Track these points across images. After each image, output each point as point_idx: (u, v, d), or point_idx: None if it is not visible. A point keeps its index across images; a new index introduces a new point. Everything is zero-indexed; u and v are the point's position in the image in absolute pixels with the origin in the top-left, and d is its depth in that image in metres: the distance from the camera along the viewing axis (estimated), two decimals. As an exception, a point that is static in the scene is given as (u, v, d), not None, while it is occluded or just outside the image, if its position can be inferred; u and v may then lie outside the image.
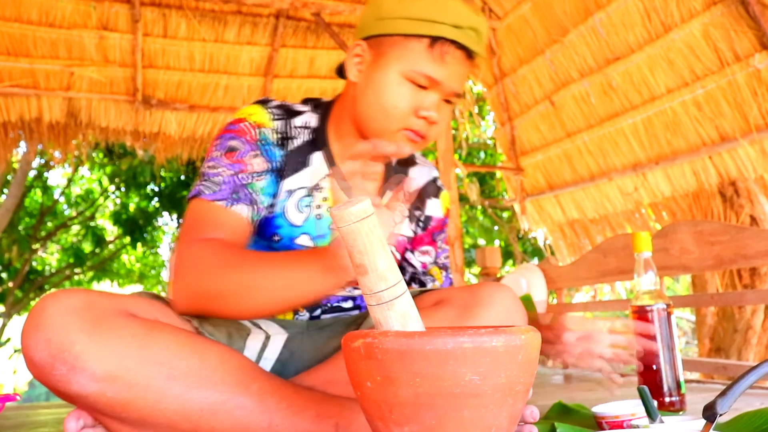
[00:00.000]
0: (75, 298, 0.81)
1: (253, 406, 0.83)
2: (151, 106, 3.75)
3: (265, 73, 3.96)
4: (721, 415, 0.73)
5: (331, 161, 1.13)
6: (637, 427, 0.96)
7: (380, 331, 0.62)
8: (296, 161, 1.10)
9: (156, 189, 7.94)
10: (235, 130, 1.07)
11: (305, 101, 1.18)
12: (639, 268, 1.26)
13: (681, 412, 1.22)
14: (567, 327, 1.13)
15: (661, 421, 0.87)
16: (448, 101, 1.08)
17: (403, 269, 1.25)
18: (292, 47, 3.96)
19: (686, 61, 2.76)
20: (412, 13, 1.02)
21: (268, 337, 1.06)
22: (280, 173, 1.09)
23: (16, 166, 6.64)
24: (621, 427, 0.98)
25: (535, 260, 7.22)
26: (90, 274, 9.33)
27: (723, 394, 0.74)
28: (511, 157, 4.00)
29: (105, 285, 9.80)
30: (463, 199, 5.06)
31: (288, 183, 1.09)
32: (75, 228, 9.18)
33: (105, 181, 8.64)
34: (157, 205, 8.14)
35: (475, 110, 5.07)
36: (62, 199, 8.89)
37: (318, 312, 1.14)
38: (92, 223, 9.02)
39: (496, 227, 7.69)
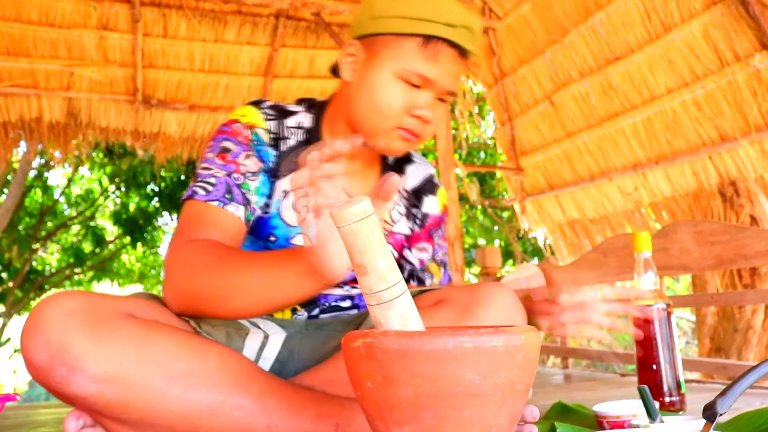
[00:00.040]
0: (74, 300, 0.82)
1: (253, 406, 0.83)
2: (151, 106, 3.75)
3: (265, 73, 3.96)
4: (721, 414, 0.73)
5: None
6: (638, 426, 0.96)
7: (380, 330, 0.62)
8: (291, 162, 1.11)
9: (156, 189, 7.94)
10: (227, 131, 1.07)
11: (299, 101, 1.18)
12: (639, 268, 1.26)
13: (681, 412, 1.22)
14: (559, 297, 1.11)
15: (662, 421, 0.87)
16: (442, 100, 1.08)
17: (401, 266, 1.25)
18: (292, 47, 3.96)
19: (686, 61, 2.76)
20: (404, 12, 1.02)
21: (266, 337, 1.06)
22: (273, 174, 1.09)
23: (16, 166, 6.64)
24: (622, 426, 0.98)
25: (535, 260, 7.22)
26: (90, 274, 9.33)
27: (723, 393, 0.74)
28: (511, 157, 4.00)
29: (105, 285, 9.81)
30: (463, 199, 5.06)
31: (283, 183, 1.10)
32: (75, 228, 9.18)
33: (105, 181, 8.64)
34: (158, 205, 8.14)
35: (475, 110, 5.07)
36: (62, 199, 8.89)
37: (316, 311, 1.14)
38: (92, 223, 9.02)
39: (496, 227, 7.70)
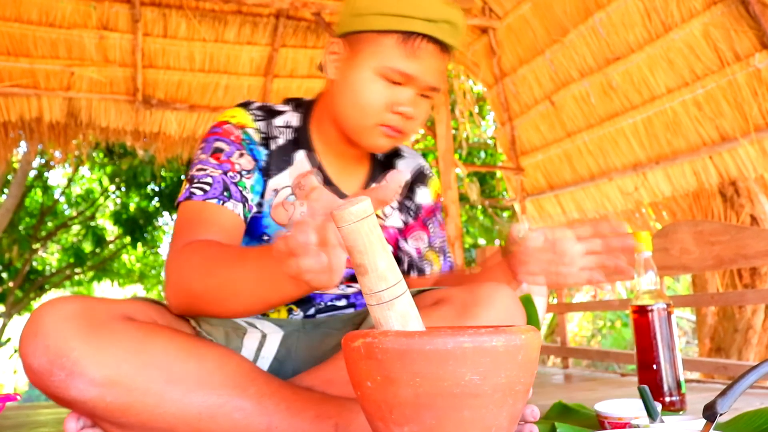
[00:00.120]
0: (72, 304, 0.82)
1: (252, 408, 0.83)
2: (152, 106, 3.75)
3: (266, 73, 3.96)
4: (721, 414, 0.73)
5: (313, 160, 1.14)
6: (638, 426, 0.96)
7: (380, 331, 0.62)
8: (280, 160, 1.11)
9: (156, 189, 7.94)
10: (219, 132, 1.07)
11: (286, 101, 1.19)
12: (639, 268, 1.26)
13: (681, 412, 1.22)
14: (526, 240, 1.04)
15: (662, 421, 0.87)
16: (425, 96, 1.08)
17: (398, 259, 1.25)
18: (292, 47, 3.96)
19: (686, 61, 2.76)
20: (383, 9, 1.01)
21: (264, 336, 1.06)
22: (265, 172, 1.10)
23: (16, 166, 6.64)
24: (623, 426, 0.98)
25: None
26: (90, 274, 9.33)
27: (723, 393, 0.74)
28: (512, 156, 3.99)
29: (105, 285, 9.81)
30: (463, 198, 5.06)
31: (273, 182, 1.10)
32: (75, 228, 9.18)
33: (105, 181, 8.64)
34: (158, 205, 8.14)
35: (476, 110, 5.07)
36: (62, 199, 8.90)
37: (312, 311, 1.14)
38: (92, 223, 9.02)
39: (496, 227, 7.69)
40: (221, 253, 0.90)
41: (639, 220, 3.31)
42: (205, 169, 1.03)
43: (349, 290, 1.17)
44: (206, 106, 3.90)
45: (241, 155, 1.06)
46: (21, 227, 7.95)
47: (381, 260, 0.62)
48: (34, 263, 8.66)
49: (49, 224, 8.61)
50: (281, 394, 0.86)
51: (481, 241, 8.08)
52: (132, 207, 8.39)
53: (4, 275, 7.99)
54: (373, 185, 1.20)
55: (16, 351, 8.76)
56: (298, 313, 1.13)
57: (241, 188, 1.04)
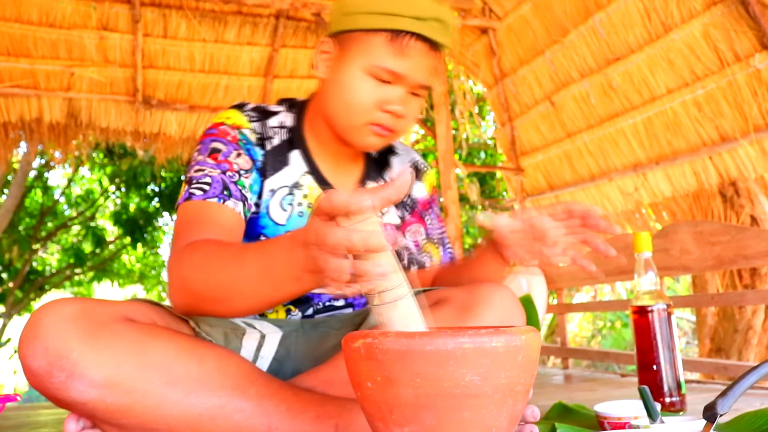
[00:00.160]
0: (71, 306, 0.81)
1: (252, 409, 0.83)
2: (152, 107, 3.75)
3: (266, 73, 3.96)
4: (721, 415, 0.73)
5: (308, 159, 1.14)
6: (638, 427, 0.96)
7: (380, 331, 0.62)
8: (276, 160, 1.11)
9: (156, 189, 7.94)
10: (215, 134, 1.07)
11: (280, 101, 1.19)
12: (639, 269, 1.26)
13: (681, 413, 1.22)
14: (504, 227, 1.02)
15: (662, 422, 0.87)
16: (415, 94, 1.07)
17: (398, 255, 1.25)
18: (292, 47, 3.96)
19: (686, 62, 2.76)
20: (372, 8, 1.01)
21: (263, 336, 1.06)
22: (262, 173, 1.10)
23: (16, 166, 6.64)
24: (623, 427, 0.98)
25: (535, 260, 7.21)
26: (90, 274, 9.33)
27: (723, 394, 0.74)
28: (512, 157, 3.99)
29: (105, 285, 9.80)
30: (463, 199, 5.06)
31: (270, 182, 1.10)
32: (75, 228, 9.18)
33: (105, 182, 8.64)
34: (158, 205, 8.15)
35: (476, 110, 5.07)
36: (62, 200, 8.90)
37: (310, 311, 1.14)
38: (92, 224, 9.02)
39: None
40: (223, 252, 0.89)
41: (639, 220, 3.31)
42: (203, 170, 1.03)
43: (347, 290, 1.17)
44: (206, 107, 3.90)
45: (239, 155, 1.06)
46: (21, 227, 7.95)
47: (385, 260, 0.62)
48: (34, 263, 8.66)
49: (49, 224, 8.61)
50: (281, 395, 0.86)
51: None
52: (132, 207, 8.39)
53: (4, 275, 7.99)
54: (370, 184, 1.20)
55: (16, 351, 8.76)
56: (297, 314, 1.14)
57: (240, 187, 1.04)
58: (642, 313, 1.24)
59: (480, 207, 7.14)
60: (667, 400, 1.22)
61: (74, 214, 8.98)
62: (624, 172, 3.22)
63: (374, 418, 0.62)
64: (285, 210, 1.11)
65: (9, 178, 6.95)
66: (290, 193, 1.11)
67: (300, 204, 1.12)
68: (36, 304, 8.53)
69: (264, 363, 1.05)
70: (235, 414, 0.82)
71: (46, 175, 8.23)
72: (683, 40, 2.72)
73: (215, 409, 0.81)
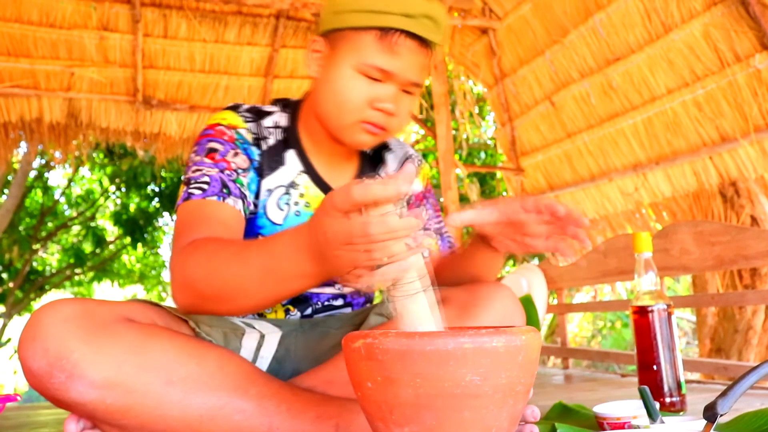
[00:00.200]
0: (71, 306, 0.81)
1: (253, 410, 0.83)
2: (152, 107, 3.75)
3: (266, 73, 3.96)
4: (721, 415, 0.73)
5: (303, 158, 1.14)
6: (638, 427, 0.96)
7: (381, 331, 0.62)
8: (272, 160, 1.12)
9: (156, 189, 7.94)
10: (211, 134, 1.08)
11: (274, 102, 1.19)
12: (639, 269, 1.26)
13: (681, 413, 1.22)
14: (482, 222, 1.00)
15: (662, 422, 0.87)
16: (407, 92, 1.07)
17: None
18: (292, 47, 3.96)
19: (686, 62, 2.76)
20: (361, 6, 1.01)
21: (262, 336, 1.07)
22: (259, 172, 1.10)
23: (16, 166, 6.64)
24: (622, 427, 0.98)
25: (536, 260, 7.22)
26: (90, 274, 9.33)
27: (723, 394, 0.74)
28: (512, 157, 3.99)
29: (105, 285, 9.80)
30: (463, 199, 5.06)
31: (267, 182, 1.11)
32: (75, 228, 9.18)
33: (105, 182, 8.64)
34: (158, 205, 8.15)
35: (476, 111, 5.07)
36: (63, 200, 8.89)
37: (309, 311, 1.14)
38: (93, 224, 9.02)
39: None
40: (226, 250, 0.89)
41: (639, 220, 3.31)
42: (201, 170, 1.03)
43: (346, 289, 1.18)
44: (206, 107, 3.90)
45: (236, 154, 1.06)
46: (21, 228, 7.95)
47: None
48: (35, 264, 8.66)
49: (49, 225, 8.61)
50: (282, 395, 0.86)
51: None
52: (132, 207, 8.39)
53: (4, 276, 7.99)
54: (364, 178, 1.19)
55: (16, 351, 8.76)
56: (296, 313, 1.14)
57: (239, 185, 1.04)
58: (642, 313, 1.24)
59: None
60: (668, 400, 1.22)
61: (74, 214, 8.98)
62: (624, 172, 3.22)
63: (374, 418, 0.62)
64: (282, 209, 1.11)
65: (9, 178, 6.95)
66: (286, 193, 1.12)
67: (296, 203, 1.12)
68: (36, 304, 8.53)
69: (264, 363, 1.05)
70: (235, 414, 0.82)
71: (46, 175, 8.23)
72: (683, 40, 2.72)
73: (215, 410, 0.81)
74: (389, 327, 1.01)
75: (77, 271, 9.05)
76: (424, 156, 6.05)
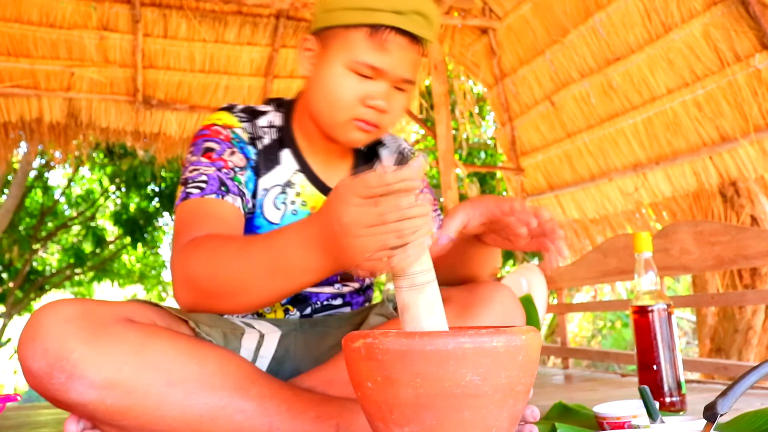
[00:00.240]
0: (71, 307, 0.81)
1: (253, 410, 0.83)
2: (152, 107, 3.75)
3: (266, 73, 3.96)
4: (721, 415, 0.73)
5: (299, 157, 1.14)
6: (638, 427, 0.96)
7: (381, 331, 0.62)
8: (268, 160, 1.12)
9: (156, 189, 7.94)
10: (207, 134, 1.08)
11: (268, 101, 1.20)
12: (639, 268, 1.26)
13: (682, 413, 1.22)
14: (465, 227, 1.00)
15: (662, 422, 0.87)
16: (400, 89, 1.07)
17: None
18: (292, 47, 3.96)
19: (686, 62, 2.76)
20: (351, 3, 1.01)
21: (262, 336, 1.07)
22: (255, 172, 1.11)
23: (16, 166, 6.64)
24: (622, 427, 0.98)
25: (536, 260, 7.22)
26: (90, 274, 9.33)
27: (724, 394, 0.74)
28: (512, 157, 3.99)
29: (105, 285, 9.80)
30: (463, 199, 5.07)
31: (263, 181, 1.11)
32: (75, 228, 9.18)
33: (105, 182, 8.64)
34: (158, 205, 8.15)
35: (476, 110, 5.07)
36: (63, 200, 8.89)
37: (308, 311, 1.14)
38: (93, 224, 9.02)
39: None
40: (228, 246, 0.89)
41: (639, 220, 3.31)
42: (198, 169, 1.03)
43: (345, 289, 1.18)
44: (206, 107, 3.90)
45: (233, 153, 1.06)
46: (21, 227, 7.95)
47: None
48: (35, 263, 8.66)
49: (49, 224, 8.61)
50: (282, 395, 0.86)
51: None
52: (132, 207, 8.39)
53: (4, 275, 7.99)
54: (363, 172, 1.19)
55: (16, 351, 8.75)
56: (295, 313, 1.14)
57: (237, 183, 1.04)
58: (642, 313, 1.24)
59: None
60: (668, 400, 1.22)
61: (74, 214, 8.98)
62: (624, 172, 3.22)
63: (374, 418, 0.62)
64: (278, 209, 1.11)
65: (9, 178, 6.95)
66: (283, 192, 1.12)
67: (293, 202, 1.13)
68: (36, 304, 8.53)
69: (263, 363, 1.05)
70: (235, 414, 0.82)
71: (46, 175, 8.23)
72: (683, 40, 2.72)
73: (216, 410, 0.81)
74: (389, 327, 1.02)
75: (77, 271, 9.05)
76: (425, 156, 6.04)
